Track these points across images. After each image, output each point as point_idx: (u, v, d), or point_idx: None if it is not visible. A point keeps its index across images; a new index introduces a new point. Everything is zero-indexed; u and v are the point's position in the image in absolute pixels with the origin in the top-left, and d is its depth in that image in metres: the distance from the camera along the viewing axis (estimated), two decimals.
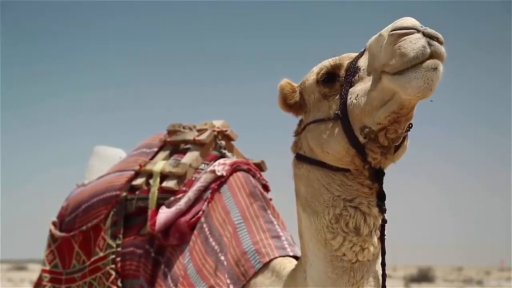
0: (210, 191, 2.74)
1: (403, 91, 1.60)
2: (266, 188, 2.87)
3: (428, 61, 1.56)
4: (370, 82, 1.72)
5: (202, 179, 2.82)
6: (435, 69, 1.56)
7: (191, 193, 2.78)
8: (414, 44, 1.57)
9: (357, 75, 1.78)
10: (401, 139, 1.77)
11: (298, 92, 2.05)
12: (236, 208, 2.62)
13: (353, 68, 1.80)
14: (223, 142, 3.09)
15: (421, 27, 1.59)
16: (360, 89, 1.75)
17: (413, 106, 1.69)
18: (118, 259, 2.91)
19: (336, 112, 1.80)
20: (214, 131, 3.08)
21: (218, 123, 3.14)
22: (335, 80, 1.87)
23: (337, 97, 1.83)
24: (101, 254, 2.97)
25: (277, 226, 2.53)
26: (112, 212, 3.02)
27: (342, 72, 1.85)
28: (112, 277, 2.89)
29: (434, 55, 1.58)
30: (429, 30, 1.59)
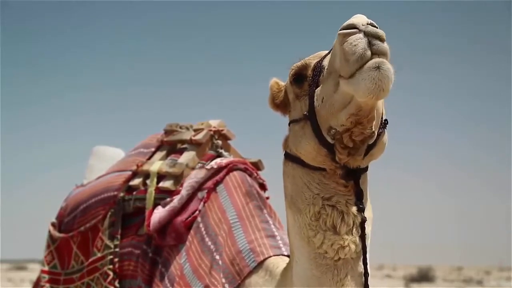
0: (206, 190, 2.75)
1: (356, 94, 1.60)
2: (263, 187, 2.88)
3: (369, 62, 1.56)
4: (333, 82, 1.71)
5: (193, 175, 2.83)
6: (377, 68, 1.55)
7: (183, 191, 2.79)
8: (354, 46, 1.56)
9: (322, 75, 1.78)
10: (373, 138, 1.75)
11: (283, 91, 2.06)
12: (232, 207, 2.63)
13: (318, 68, 1.81)
14: (219, 142, 3.10)
15: (363, 25, 1.58)
16: (324, 90, 1.75)
17: (372, 108, 1.66)
18: (116, 259, 2.92)
19: (304, 113, 1.82)
20: (211, 130, 3.10)
21: (214, 123, 3.16)
22: (304, 81, 1.87)
23: (307, 97, 1.83)
24: (99, 255, 2.97)
25: (272, 226, 2.54)
26: (110, 213, 3.03)
27: (309, 72, 1.85)
28: (110, 277, 2.89)
29: (374, 56, 1.56)
30: (370, 29, 1.58)
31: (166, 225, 2.75)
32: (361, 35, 1.57)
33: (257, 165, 3.11)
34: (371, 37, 1.57)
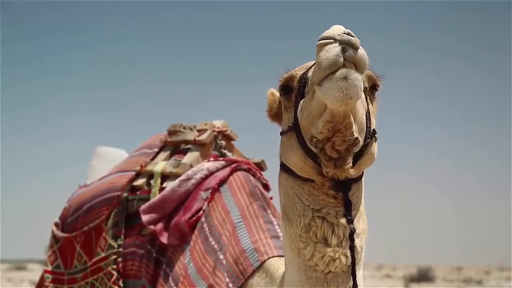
0: (210, 190, 2.77)
1: (325, 101, 1.60)
2: (266, 187, 2.90)
3: (339, 71, 1.57)
4: (311, 91, 1.71)
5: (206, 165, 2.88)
6: (345, 78, 1.55)
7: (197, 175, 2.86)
8: (328, 52, 1.58)
9: (307, 86, 1.77)
10: (358, 145, 1.72)
11: (278, 102, 2.05)
12: (235, 207, 2.65)
13: (304, 79, 1.80)
14: (223, 142, 3.12)
15: (339, 35, 1.59)
16: (304, 100, 1.75)
17: (345, 114, 1.64)
18: (120, 259, 2.93)
19: (289, 124, 1.82)
20: (214, 131, 3.11)
21: (218, 123, 3.17)
22: (291, 92, 1.86)
23: (293, 108, 1.82)
24: (103, 255, 2.99)
25: (276, 226, 2.55)
26: (113, 213, 3.04)
27: (295, 84, 1.84)
28: (114, 277, 2.91)
29: (346, 63, 1.58)
30: (344, 37, 1.59)
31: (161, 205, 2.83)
32: (336, 43, 1.59)
33: (261, 166, 3.13)
34: (345, 45, 1.58)
